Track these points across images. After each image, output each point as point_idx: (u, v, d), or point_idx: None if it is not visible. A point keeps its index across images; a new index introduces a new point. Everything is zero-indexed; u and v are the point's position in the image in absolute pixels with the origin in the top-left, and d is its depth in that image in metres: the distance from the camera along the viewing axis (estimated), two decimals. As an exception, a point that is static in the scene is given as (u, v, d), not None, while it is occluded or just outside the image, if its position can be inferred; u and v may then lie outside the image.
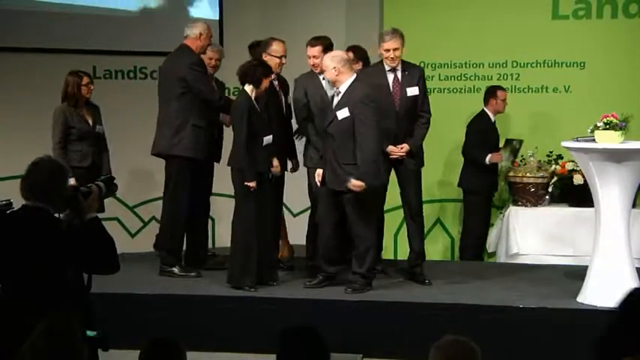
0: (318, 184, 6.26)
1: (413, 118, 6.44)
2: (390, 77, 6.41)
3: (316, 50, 6.52)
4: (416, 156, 6.45)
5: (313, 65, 6.57)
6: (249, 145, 6.14)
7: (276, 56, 6.64)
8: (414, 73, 6.45)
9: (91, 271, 3.90)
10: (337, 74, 6.08)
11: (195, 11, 8.52)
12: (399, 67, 6.40)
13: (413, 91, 6.39)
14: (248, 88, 6.24)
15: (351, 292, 6.15)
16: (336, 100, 6.15)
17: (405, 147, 6.36)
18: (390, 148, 6.35)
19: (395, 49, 6.35)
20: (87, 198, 3.86)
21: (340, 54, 6.24)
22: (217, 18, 8.50)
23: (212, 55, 7.05)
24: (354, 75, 6.16)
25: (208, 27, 6.85)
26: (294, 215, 8.09)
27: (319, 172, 6.25)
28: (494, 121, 7.98)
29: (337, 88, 6.13)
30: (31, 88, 7.82)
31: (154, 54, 7.93)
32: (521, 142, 7.99)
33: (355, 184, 5.98)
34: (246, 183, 6.12)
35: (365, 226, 6.13)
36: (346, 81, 6.11)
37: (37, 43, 7.83)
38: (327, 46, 6.52)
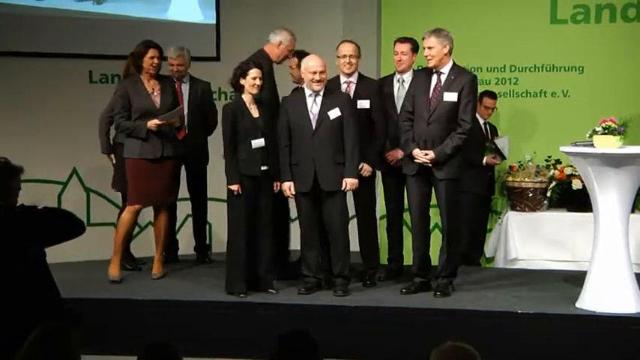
0: (291, 195, 6.27)
1: (449, 124, 6.10)
2: (434, 80, 6.17)
3: (405, 47, 6.61)
4: (444, 165, 6.09)
5: (399, 61, 6.61)
6: (233, 147, 6.12)
7: (339, 56, 6.50)
8: (461, 79, 6.11)
9: (57, 240, 4.18)
10: (326, 77, 6.23)
11: (191, 15, 8.48)
12: (445, 71, 6.15)
13: (451, 96, 6.07)
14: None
15: (342, 295, 6.19)
16: (314, 103, 6.19)
17: (430, 154, 6.08)
18: (415, 151, 6.13)
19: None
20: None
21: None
22: (214, 22, 8.48)
23: (171, 62, 7.06)
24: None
25: (292, 38, 6.68)
26: (292, 220, 8.04)
27: (290, 185, 6.22)
28: (484, 124, 7.93)
29: (319, 90, 6.19)
30: (27, 92, 7.79)
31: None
32: (504, 140, 7.92)
33: (352, 182, 6.19)
34: (227, 186, 6.12)
35: (344, 226, 6.23)
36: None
37: (33, 48, 7.80)
38: (416, 46, 6.64)
